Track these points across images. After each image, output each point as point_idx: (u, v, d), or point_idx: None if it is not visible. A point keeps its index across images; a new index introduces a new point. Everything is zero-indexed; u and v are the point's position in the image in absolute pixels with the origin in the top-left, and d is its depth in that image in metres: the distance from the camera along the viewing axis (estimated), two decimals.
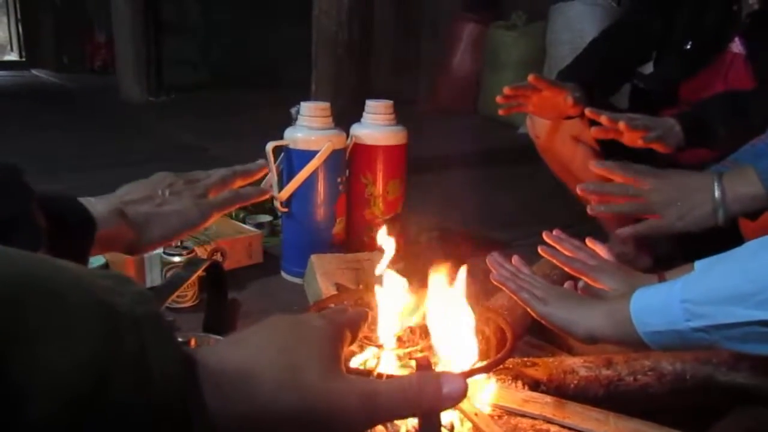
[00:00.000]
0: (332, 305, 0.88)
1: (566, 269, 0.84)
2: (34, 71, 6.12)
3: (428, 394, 0.35)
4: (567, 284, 0.82)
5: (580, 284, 0.81)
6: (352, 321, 0.41)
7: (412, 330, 0.78)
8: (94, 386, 0.25)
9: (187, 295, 1.22)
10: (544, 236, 0.88)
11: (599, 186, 0.90)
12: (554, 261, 0.85)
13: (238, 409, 0.31)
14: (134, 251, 0.60)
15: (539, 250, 0.86)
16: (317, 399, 0.33)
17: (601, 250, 0.86)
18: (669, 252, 1.21)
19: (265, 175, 0.73)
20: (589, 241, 0.87)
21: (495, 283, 0.81)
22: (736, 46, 1.24)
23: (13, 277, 0.25)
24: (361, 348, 0.75)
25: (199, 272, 0.71)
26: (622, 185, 0.89)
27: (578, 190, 0.89)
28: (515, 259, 0.85)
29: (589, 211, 0.88)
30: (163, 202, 0.61)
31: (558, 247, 0.86)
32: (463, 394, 0.36)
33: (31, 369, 0.23)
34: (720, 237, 0.84)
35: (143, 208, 0.59)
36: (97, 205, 0.56)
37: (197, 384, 0.30)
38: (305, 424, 0.33)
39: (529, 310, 0.77)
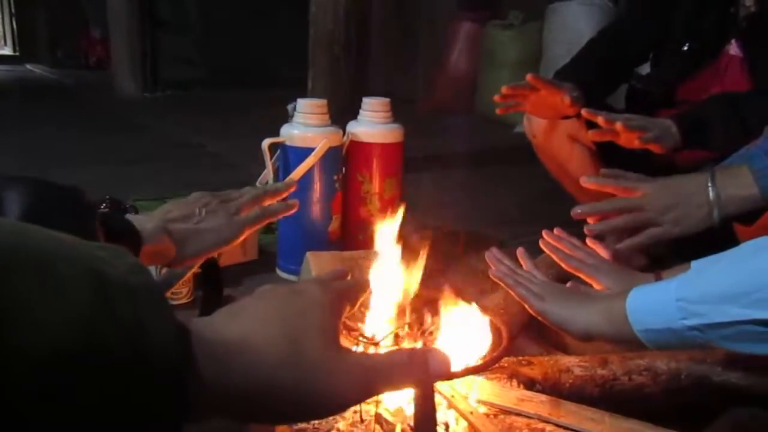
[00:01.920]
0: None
1: (563, 266, 0.84)
2: (28, 66, 6.10)
3: (416, 368, 0.37)
4: (570, 284, 0.82)
5: (570, 282, 0.81)
6: (351, 290, 0.42)
7: (409, 326, 0.78)
8: (85, 350, 0.25)
9: (181, 292, 1.22)
10: (544, 234, 0.88)
11: (592, 207, 0.89)
12: (553, 257, 0.85)
13: (235, 380, 0.31)
14: (173, 264, 0.66)
15: (541, 244, 0.87)
16: (317, 373, 0.33)
17: (600, 249, 0.86)
18: (665, 252, 1.21)
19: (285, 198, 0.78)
20: (589, 241, 0.87)
21: (493, 278, 0.81)
22: (733, 49, 1.24)
23: (1, 243, 0.25)
24: (358, 344, 0.75)
25: (194, 269, 0.72)
26: (614, 200, 0.88)
27: (573, 215, 0.88)
28: (520, 251, 0.85)
29: (586, 231, 0.87)
30: (201, 221, 0.67)
31: (557, 245, 0.86)
32: (446, 370, 0.38)
33: (20, 331, 0.23)
34: (715, 237, 0.84)
35: (183, 225, 0.66)
36: (145, 223, 0.62)
37: (192, 354, 0.30)
38: (303, 396, 0.33)
39: (526, 306, 0.77)
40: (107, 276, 0.27)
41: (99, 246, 0.29)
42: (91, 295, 0.26)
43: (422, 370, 0.37)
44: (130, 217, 0.63)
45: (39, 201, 0.49)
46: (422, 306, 0.83)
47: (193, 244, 0.65)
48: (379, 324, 0.78)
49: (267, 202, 0.75)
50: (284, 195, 0.78)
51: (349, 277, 0.47)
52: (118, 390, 0.26)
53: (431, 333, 0.81)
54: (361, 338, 0.76)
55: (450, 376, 0.72)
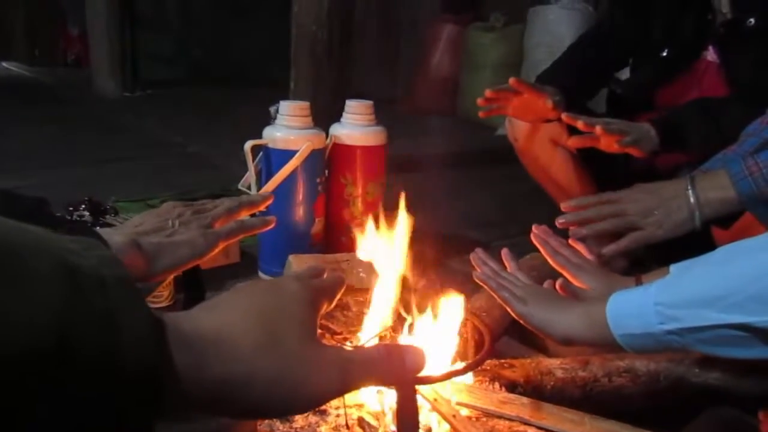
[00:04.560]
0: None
1: (550, 261, 0.86)
2: (4, 64, 5.98)
3: (393, 364, 0.37)
4: (547, 282, 0.83)
5: (559, 281, 0.82)
6: (328, 286, 0.41)
7: (394, 329, 0.78)
8: (56, 347, 0.24)
9: (162, 295, 1.21)
10: (534, 228, 0.89)
11: (576, 215, 0.90)
12: (542, 250, 0.86)
13: (213, 373, 0.31)
14: (145, 279, 0.62)
15: (532, 237, 0.88)
16: (294, 366, 0.33)
17: (583, 249, 0.87)
18: (644, 255, 1.23)
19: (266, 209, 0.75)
20: (571, 241, 0.88)
21: (477, 281, 0.82)
22: (710, 54, 1.26)
23: None
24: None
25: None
26: (597, 207, 0.90)
27: (557, 224, 0.90)
28: (504, 252, 0.86)
29: (571, 236, 0.89)
30: (173, 233, 0.64)
31: (547, 240, 0.88)
32: (422, 365, 0.38)
33: None
34: (693, 241, 0.86)
35: (155, 238, 0.62)
36: (113, 236, 0.59)
37: (167, 347, 0.29)
38: (281, 390, 0.33)
39: (508, 309, 0.77)
40: (78, 268, 0.26)
41: (71, 239, 0.29)
42: (62, 286, 0.25)
43: (399, 365, 0.37)
44: (98, 229, 0.60)
45: (1, 212, 0.48)
46: (406, 308, 0.83)
47: (166, 258, 0.62)
48: (362, 327, 0.78)
49: (243, 214, 0.71)
50: (261, 208, 0.74)
51: (325, 275, 0.46)
52: (89, 383, 0.25)
53: (415, 336, 0.81)
54: (343, 342, 0.76)
55: (431, 380, 0.72)
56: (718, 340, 0.61)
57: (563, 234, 0.91)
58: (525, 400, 0.77)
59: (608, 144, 1.09)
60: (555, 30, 2.99)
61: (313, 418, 0.72)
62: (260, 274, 1.41)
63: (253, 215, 0.77)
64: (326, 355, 0.35)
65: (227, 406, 0.32)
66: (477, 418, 0.75)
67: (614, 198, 0.89)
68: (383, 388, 0.73)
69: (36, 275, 0.25)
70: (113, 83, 4.11)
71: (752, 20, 1.18)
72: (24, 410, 0.23)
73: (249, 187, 1.36)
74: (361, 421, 0.72)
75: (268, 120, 1.44)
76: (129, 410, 0.27)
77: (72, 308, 0.25)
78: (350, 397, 0.74)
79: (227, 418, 0.53)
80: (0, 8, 6.19)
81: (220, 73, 4.48)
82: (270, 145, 1.33)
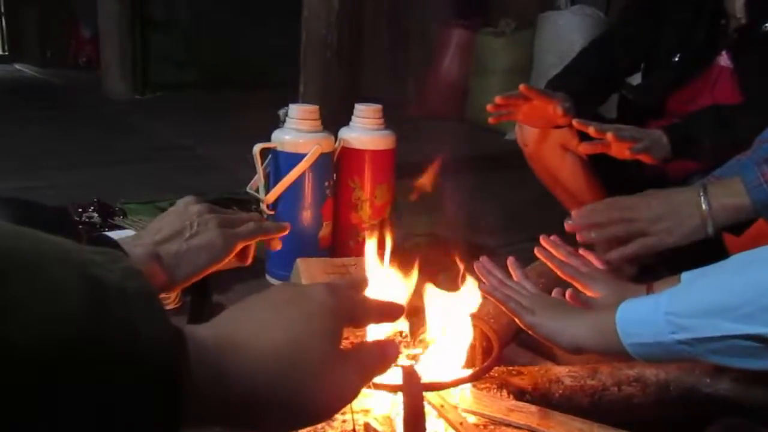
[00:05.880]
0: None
1: (559, 273, 0.85)
2: (17, 65, 6.04)
3: (389, 357, 0.40)
4: (555, 291, 0.82)
5: (569, 291, 0.81)
6: (360, 307, 0.41)
7: (401, 334, 0.77)
8: (76, 359, 0.24)
9: (170, 297, 1.21)
10: (541, 240, 0.88)
11: (585, 218, 0.89)
12: (549, 264, 0.85)
13: (234, 387, 0.31)
14: (166, 289, 0.62)
15: (536, 251, 0.87)
16: (317, 380, 0.34)
17: (593, 258, 0.86)
18: (654, 261, 1.22)
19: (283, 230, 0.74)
20: (582, 250, 0.87)
21: (482, 292, 0.81)
22: (724, 60, 1.25)
23: None
24: None
25: None
26: (607, 212, 0.89)
27: (566, 227, 0.89)
28: (510, 261, 0.85)
29: (579, 239, 0.88)
30: (192, 236, 0.63)
31: (553, 251, 0.87)
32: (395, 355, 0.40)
33: (13, 338, 0.23)
34: (705, 248, 0.85)
35: (173, 246, 0.62)
36: (134, 248, 0.59)
37: (187, 361, 0.30)
38: (302, 403, 0.34)
39: (516, 319, 0.77)
40: (101, 279, 0.27)
41: (95, 250, 0.29)
42: (84, 297, 0.26)
43: (393, 358, 0.39)
44: (120, 240, 0.60)
45: (25, 223, 0.48)
46: (417, 315, 0.83)
47: (186, 267, 0.61)
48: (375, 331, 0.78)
49: (259, 238, 0.70)
50: (276, 236, 0.72)
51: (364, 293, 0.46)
52: (108, 395, 0.25)
53: (422, 341, 0.81)
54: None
55: (438, 387, 0.71)
56: (730, 351, 0.60)
57: (573, 242, 0.90)
58: (533, 408, 0.77)
59: (619, 151, 1.08)
60: (565, 36, 2.98)
61: (318, 423, 0.72)
62: (267, 277, 1.41)
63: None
64: (349, 366, 0.36)
65: (247, 418, 0.32)
66: (484, 426, 0.74)
67: (625, 204, 0.88)
68: (391, 395, 0.72)
69: (59, 287, 0.25)
70: (123, 85, 4.14)
71: (767, 25, 1.17)
72: (42, 419, 0.24)
73: (257, 190, 1.37)
74: (367, 427, 0.71)
75: (277, 123, 1.45)
76: (147, 423, 0.27)
77: (93, 320, 0.25)
78: (357, 403, 0.73)
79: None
80: (13, 10, 6.25)
81: (230, 76, 4.50)
82: (279, 148, 1.33)
